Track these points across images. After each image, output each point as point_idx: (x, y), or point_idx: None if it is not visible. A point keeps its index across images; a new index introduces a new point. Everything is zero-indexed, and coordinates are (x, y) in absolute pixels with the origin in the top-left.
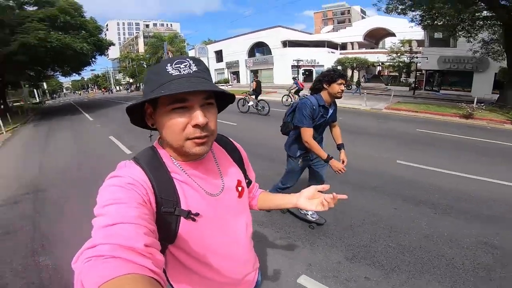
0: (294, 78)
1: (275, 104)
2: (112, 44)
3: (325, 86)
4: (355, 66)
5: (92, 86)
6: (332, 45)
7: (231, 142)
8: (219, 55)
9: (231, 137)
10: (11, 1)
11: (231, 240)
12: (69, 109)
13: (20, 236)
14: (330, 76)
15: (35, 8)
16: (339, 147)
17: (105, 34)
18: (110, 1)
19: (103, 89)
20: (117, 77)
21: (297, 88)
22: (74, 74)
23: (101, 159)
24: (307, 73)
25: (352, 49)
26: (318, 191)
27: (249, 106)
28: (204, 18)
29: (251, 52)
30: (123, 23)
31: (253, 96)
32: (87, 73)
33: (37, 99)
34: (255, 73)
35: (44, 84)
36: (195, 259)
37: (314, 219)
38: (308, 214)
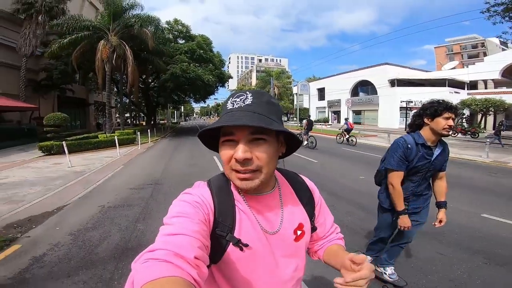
0: (346, 119)
1: (368, 148)
2: (231, 77)
3: (426, 121)
4: (488, 109)
5: (214, 113)
6: (456, 84)
7: (302, 182)
8: (321, 92)
9: (313, 174)
10: (170, 35)
11: (274, 281)
12: (194, 130)
13: (135, 209)
14: (434, 108)
15: (183, 41)
16: (440, 205)
17: (228, 66)
18: (233, 36)
19: (212, 118)
20: None
21: (346, 127)
22: (202, 101)
23: (202, 171)
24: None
25: (486, 88)
26: (353, 262)
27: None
28: (310, 53)
29: (355, 91)
30: (241, 57)
31: (306, 136)
32: (211, 101)
33: (175, 119)
34: (305, 112)
35: (182, 107)
36: (232, 286)
37: (392, 279)
38: (385, 273)
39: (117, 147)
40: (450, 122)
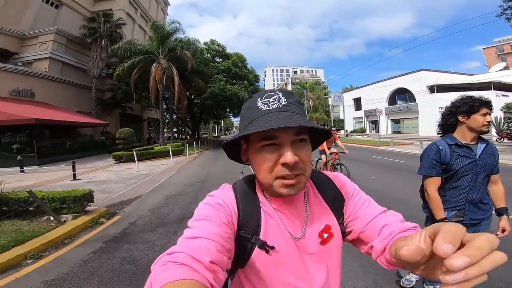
0: (331, 127)
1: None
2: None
3: (461, 119)
4: None
5: None
6: (504, 87)
7: (326, 178)
8: (358, 102)
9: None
10: (208, 54)
11: (305, 287)
12: None
13: (188, 196)
14: (469, 105)
15: (220, 59)
16: (500, 212)
17: (264, 80)
18: (268, 48)
19: None
20: None
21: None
22: (239, 116)
23: (238, 176)
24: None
25: None
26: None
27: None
28: (348, 62)
29: (392, 99)
30: (277, 70)
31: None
32: None
33: (216, 133)
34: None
35: (222, 122)
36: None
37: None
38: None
39: (170, 157)
40: (488, 118)
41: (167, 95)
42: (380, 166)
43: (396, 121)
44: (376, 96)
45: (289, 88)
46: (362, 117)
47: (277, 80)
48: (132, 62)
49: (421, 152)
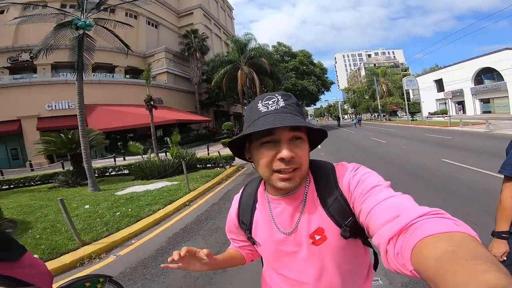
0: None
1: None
2: (332, 83)
3: None
4: None
5: (327, 114)
6: None
7: (331, 177)
8: (439, 84)
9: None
10: (277, 55)
11: (296, 281)
12: None
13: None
14: None
15: (288, 58)
16: None
17: (335, 67)
18: (336, 36)
19: (324, 118)
20: (345, 107)
21: None
22: (311, 105)
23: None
24: None
25: None
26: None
27: None
28: (433, 39)
29: (479, 79)
30: (347, 55)
31: None
32: (323, 103)
33: None
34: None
35: None
36: (269, 268)
37: None
38: None
39: None
40: None
41: (250, 94)
42: (419, 140)
43: (485, 101)
44: (458, 77)
45: (362, 73)
46: (444, 98)
47: (350, 66)
48: (224, 71)
49: (486, 130)
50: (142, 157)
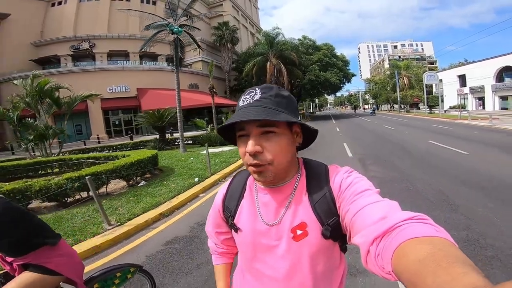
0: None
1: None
2: (354, 75)
3: None
4: None
5: (347, 103)
6: None
7: (324, 176)
8: (462, 80)
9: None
10: (301, 46)
11: (268, 278)
12: (325, 118)
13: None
14: None
15: (312, 51)
16: None
17: (358, 57)
18: (363, 24)
19: (344, 107)
20: (366, 97)
21: None
22: (332, 94)
23: (328, 143)
24: None
25: None
26: None
27: None
28: (469, 31)
29: (500, 76)
30: (372, 45)
31: None
32: (345, 92)
33: (311, 110)
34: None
35: (316, 99)
36: (244, 258)
37: None
38: None
39: None
40: None
41: (278, 82)
42: (422, 129)
43: (504, 98)
44: (481, 73)
45: (386, 65)
46: (466, 93)
47: (374, 56)
48: (255, 62)
49: (488, 124)
50: (206, 129)
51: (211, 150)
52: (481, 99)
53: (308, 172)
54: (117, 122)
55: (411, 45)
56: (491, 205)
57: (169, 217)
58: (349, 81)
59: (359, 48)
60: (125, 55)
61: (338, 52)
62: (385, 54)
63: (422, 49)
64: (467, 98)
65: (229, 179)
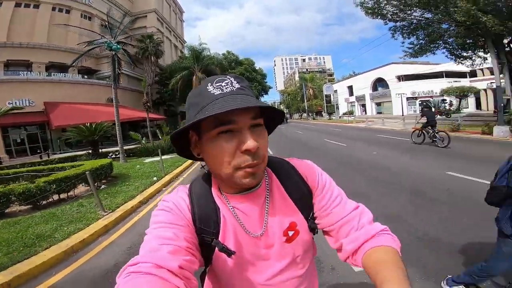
0: (424, 104)
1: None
2: (270, 87)
3: None
4: (463, 94)
5: None
6: (457, 74)
7: (290, 169)
8: (350, 90)
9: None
10: (225, 61)
11: (270, 283)
12: None
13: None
14: None
15: (234, 65)
16: None
17: (274, 69)
18: (277, 36)
19: None
20: (281, 107)
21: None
22: None
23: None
24: (424, 103)
25: (483, 75)
26: None
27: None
28: (358, 46)
29: (375, 86)
30: (285, 59)
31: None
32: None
33: None
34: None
35: None
36: (228, 286)
37: None
38: None
39: None
40: None
41: None
42: (319, 131)
43: (378, 104)
44: (363, 84)
45: (296, 77)
46: (354, 101)
47: (287, 69)
48: (180, 76)
49: (365, 126)
50: (141, 142)
51: (151, 159)
52: (364, 106)
53: (273, 169)
54: (18, 140)
55: (316, 58)
56: (358, 177)
57: (146, 204)
58: (266, 93)
59: (274, 61)
60: (26, 65)
61: (257, 66)
62: (296, 67)
63: (324, 62)
64: (354, 105)
65: (179, 197)
